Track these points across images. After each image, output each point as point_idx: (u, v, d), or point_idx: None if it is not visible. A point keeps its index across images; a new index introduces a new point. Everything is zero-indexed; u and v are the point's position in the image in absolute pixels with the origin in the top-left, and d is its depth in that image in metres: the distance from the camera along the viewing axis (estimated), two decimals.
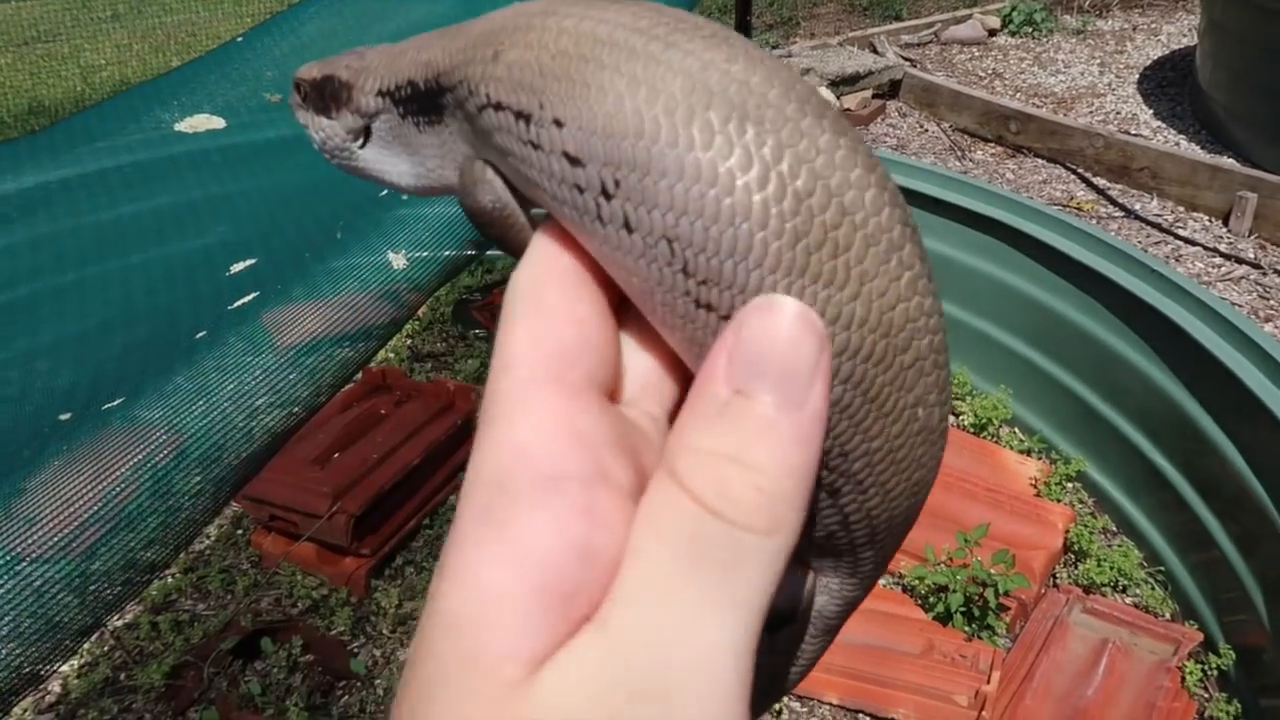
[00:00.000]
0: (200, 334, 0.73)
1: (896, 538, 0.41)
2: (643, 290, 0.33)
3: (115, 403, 0.64)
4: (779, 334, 0.30)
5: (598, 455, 0.31)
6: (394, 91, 0.43)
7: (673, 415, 0.35)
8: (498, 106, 0.35)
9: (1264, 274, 4.04)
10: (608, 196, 0.32)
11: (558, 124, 0.33)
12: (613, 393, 0.35)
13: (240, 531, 2.92)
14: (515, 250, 0.38)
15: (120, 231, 1.04)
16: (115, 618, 2.62)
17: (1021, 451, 3.05)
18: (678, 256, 0.31)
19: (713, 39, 0.32)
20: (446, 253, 1.02)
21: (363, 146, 0.46)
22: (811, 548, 0.40)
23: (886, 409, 0.35)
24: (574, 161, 0.32)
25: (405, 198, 0.99)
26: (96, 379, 0.72)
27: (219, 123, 1.32)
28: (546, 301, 0.34)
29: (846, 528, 0.38)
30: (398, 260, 0.89)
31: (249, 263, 0.91)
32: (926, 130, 5.72)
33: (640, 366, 0.37)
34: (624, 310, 0.36)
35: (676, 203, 0.30)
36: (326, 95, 0.46)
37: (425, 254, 0.98)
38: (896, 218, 0.33)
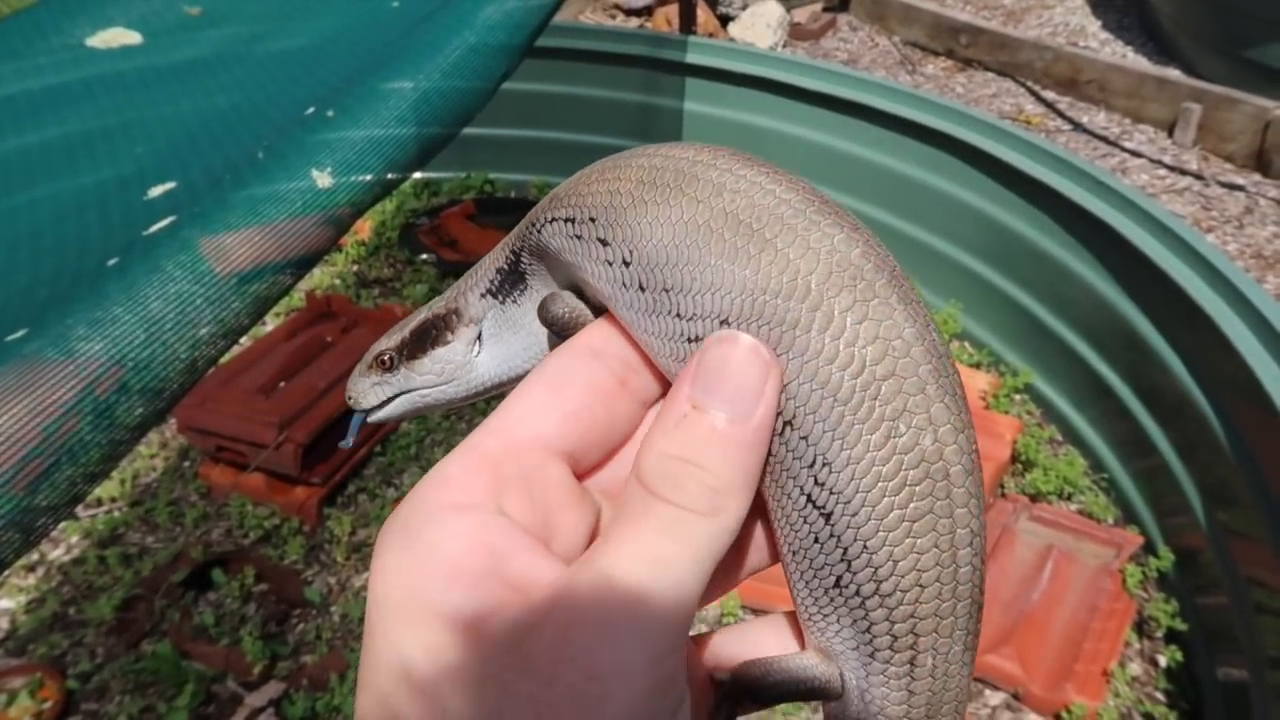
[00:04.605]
0: (112, 261, 0.69)
1: (934, 624, 0.42)
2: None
3: (17, 335, 0.61)
4: (731, 361, 0.38)
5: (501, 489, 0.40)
6: (490, 286, 0.52)
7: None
8: (567, 220, 0.47)
9: (1206, 185, 4.08)
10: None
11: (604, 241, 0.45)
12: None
13: (187, 463, 2.88)
14: None
15: (27, 161, 0.99)
16: (61, 552, 2.58)
17: (971, 365, 3.08)
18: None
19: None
20: (374, 176, 0.98)
21: (479, 354, 0.53)
22: (831, 614, 0.43)
23: (860, 415, 0.39)
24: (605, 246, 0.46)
25: (330, 115, 0.94)
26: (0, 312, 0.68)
27: (134, 37, 1.25)
28: (561, 384, 0.43)
29: (850, 569, 0.41)
30: (322, 179, 0.85)
31: (168, 186, 0.86)
32: (877, 44, 5.65)
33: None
34: None
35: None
36: (428, 340, 0.53)
37: (351, 178, 0.94)
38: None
